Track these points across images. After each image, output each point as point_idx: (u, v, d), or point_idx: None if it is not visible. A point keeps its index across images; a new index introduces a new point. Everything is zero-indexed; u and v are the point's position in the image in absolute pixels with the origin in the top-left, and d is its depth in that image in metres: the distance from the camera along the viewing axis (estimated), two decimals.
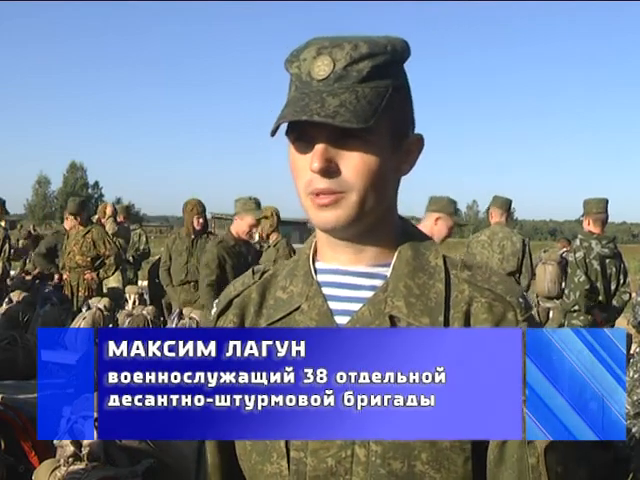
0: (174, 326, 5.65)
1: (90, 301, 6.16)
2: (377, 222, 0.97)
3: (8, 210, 8.81)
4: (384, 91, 0.92)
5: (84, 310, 5.98)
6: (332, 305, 0.98)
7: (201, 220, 6.29)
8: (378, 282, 0.98)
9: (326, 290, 0.99)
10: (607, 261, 5.52)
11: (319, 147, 0.91)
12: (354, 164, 0.91)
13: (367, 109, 0.89)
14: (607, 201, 5.59)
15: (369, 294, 0.97)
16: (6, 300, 6.75)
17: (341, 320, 0.96)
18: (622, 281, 5.65)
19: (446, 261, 0.99)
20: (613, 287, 5.58)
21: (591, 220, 5.53)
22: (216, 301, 1.11)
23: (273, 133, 0.91)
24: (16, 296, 6.82)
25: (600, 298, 5.48)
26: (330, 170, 0.91)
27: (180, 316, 5.90)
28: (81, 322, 5.68)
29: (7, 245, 8.15)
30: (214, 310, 1.10)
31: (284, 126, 0.92)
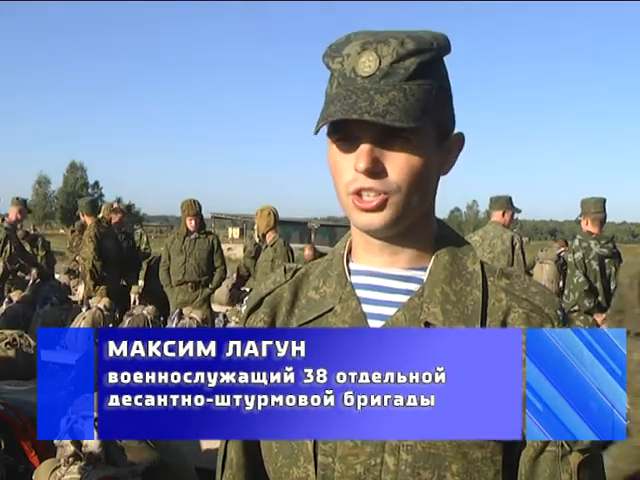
0: (174, 326, 5.65)
1: (90, 301, 6.16)
2: (416, 223, 0.94)
3: (30, 209, 8.71)
4: (430, 89, 0.89)
5: (84, 310, 5.98)
6: (366, 308, 0.96)
7: (193, 222, 6.28)
8: (413, 286, 0.96)
9: (360, 292, 0.97)
10: (606, 261, 5.52)
11: (365, 147, 0.88)
12: (400, 165, 0.88)
13: (416, 107, 0.86)
14: (605, 200, 5.59)
15: (404, 298, 0.95)
16: (6, 300, 6.75)
17: (375, 324, 0.94)
18: None
19: (483, 267, 0.97)
20: (612, 287, 5.58)
21: (589, 220, 5.53)
22: (246, 298, 1.09)
23: (317, 131, 0.88)
24: (16, 296, 6.82)
25: (599, 298, 5.47)
26: (376, 170, 0.88)
27: (180, 316, 5.90)
28: (81, 322, 5.67)
29: (8, 245, 8.13)
30: (244, 308, 1.07)
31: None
